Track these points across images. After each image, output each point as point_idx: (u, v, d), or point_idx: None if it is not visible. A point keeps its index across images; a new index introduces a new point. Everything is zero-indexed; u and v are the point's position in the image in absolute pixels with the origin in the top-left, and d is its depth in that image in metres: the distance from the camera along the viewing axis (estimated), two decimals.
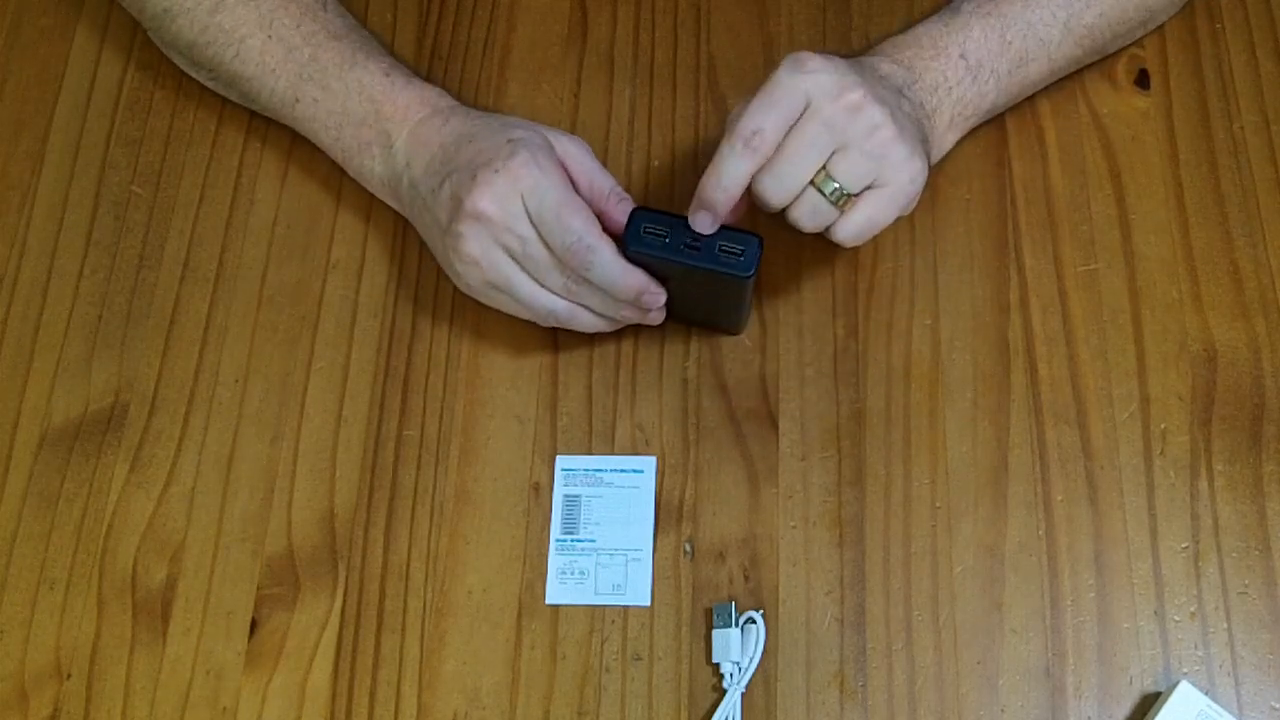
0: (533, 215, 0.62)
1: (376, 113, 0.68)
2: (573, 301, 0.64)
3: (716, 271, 0.61)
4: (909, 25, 0.70)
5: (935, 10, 0.71)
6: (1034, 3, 0.69)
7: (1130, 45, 0.75)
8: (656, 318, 0.66)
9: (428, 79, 0.73)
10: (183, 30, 0.71)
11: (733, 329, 0.70)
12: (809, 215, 0.61)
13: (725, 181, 0.59)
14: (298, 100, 0.70)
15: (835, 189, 0.60)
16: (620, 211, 0.63)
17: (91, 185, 0.75)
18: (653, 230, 0.62)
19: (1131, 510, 0.66)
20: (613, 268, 0.62)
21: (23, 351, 0.71)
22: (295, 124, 0.71)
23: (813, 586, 0.65)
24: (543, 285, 0.64)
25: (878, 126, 0.60)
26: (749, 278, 0.61)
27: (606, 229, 0.63)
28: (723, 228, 0.61)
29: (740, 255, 0.61)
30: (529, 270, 0.63)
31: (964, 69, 0.68)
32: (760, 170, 0.59)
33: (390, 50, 0.73)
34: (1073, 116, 0.74)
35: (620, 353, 0.70)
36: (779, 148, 0.59)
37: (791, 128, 0.59)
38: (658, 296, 0.64)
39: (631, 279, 0.62)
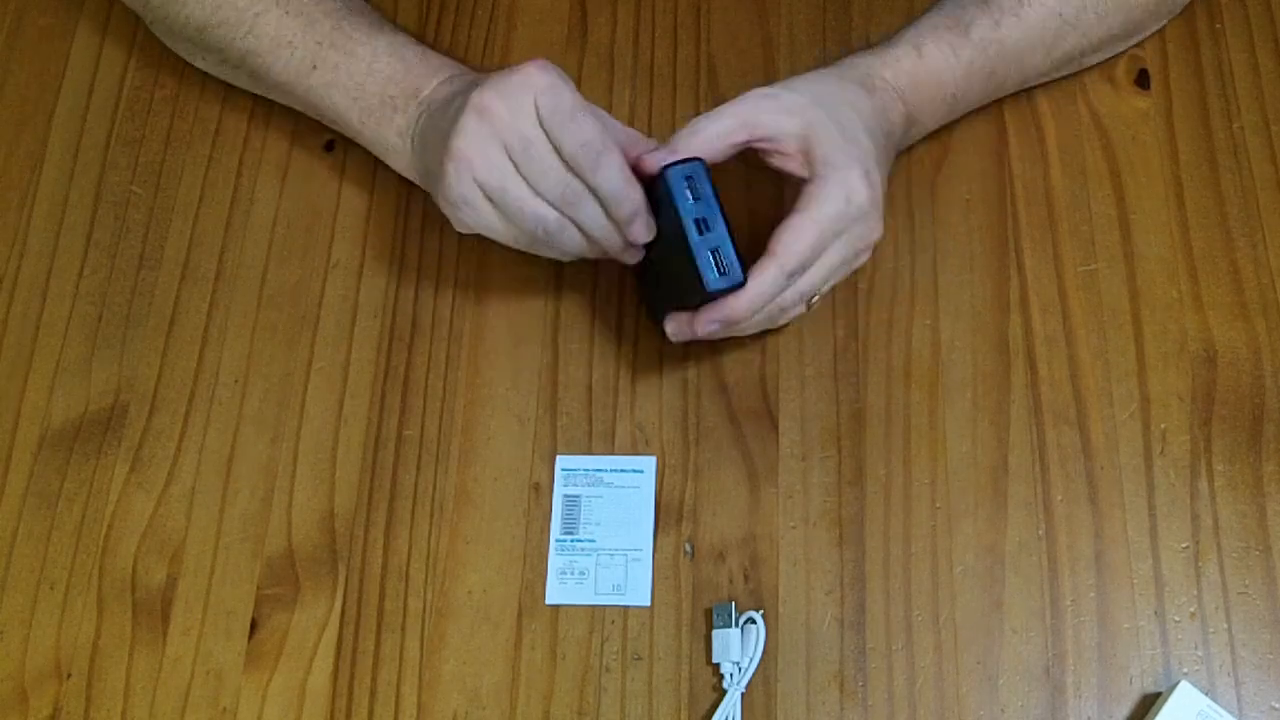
0: (544, 117, 0.59)
1: (407, 70, 0.67)
2: (564, 215, 0.61)
3: (694, 267, 0.59)
4: (921, 29, 0.68)
5: (938, 8, 0.70)
6: (1029, 28, 0.69)
7: (1131, 46, 0.75)
8: (632, 255, 0.64)
9: None
10: (193, 14, 0.71)
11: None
12: (787, 319, 0.65)
13: (758, 303, 0.60)
14: (315, 67, 0.69)
15: (815, 296, 0.64)
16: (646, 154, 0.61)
17: (91, 185, 0.75)
18: (693, 185, 0.60)
19: (1131, 510, 0.66)
20: (620, 175, 0.59)
21: (23, 351, 0.71)
22: (308, 93, 0.70)
23: (813, 586, 0.65)
24: (537, 191, 0.61)
25: (870, 251, 0.64)
26: (710, 294, 0.60)
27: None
28: (728, 245, 0.60)
29: (725, 272, 0.59)
30: (525, 173, 0.60)
31: (948, 108, 0.70)
32: None
33: None
34: (1073, 116, 0.74)
35: (620, 353, 0.70)
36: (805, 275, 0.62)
37: (820, 257, 0.62)
38: (643, 230, 0.61)
39: (634, 192, 0.60)
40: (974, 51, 0.68)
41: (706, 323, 0.61)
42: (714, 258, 0.59)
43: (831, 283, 0.64)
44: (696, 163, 0.60)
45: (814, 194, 0.60)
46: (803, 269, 0.61)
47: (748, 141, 0.62)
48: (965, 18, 0.68)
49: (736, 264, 0.59)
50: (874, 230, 0.62)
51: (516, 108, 0.59)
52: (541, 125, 0.60)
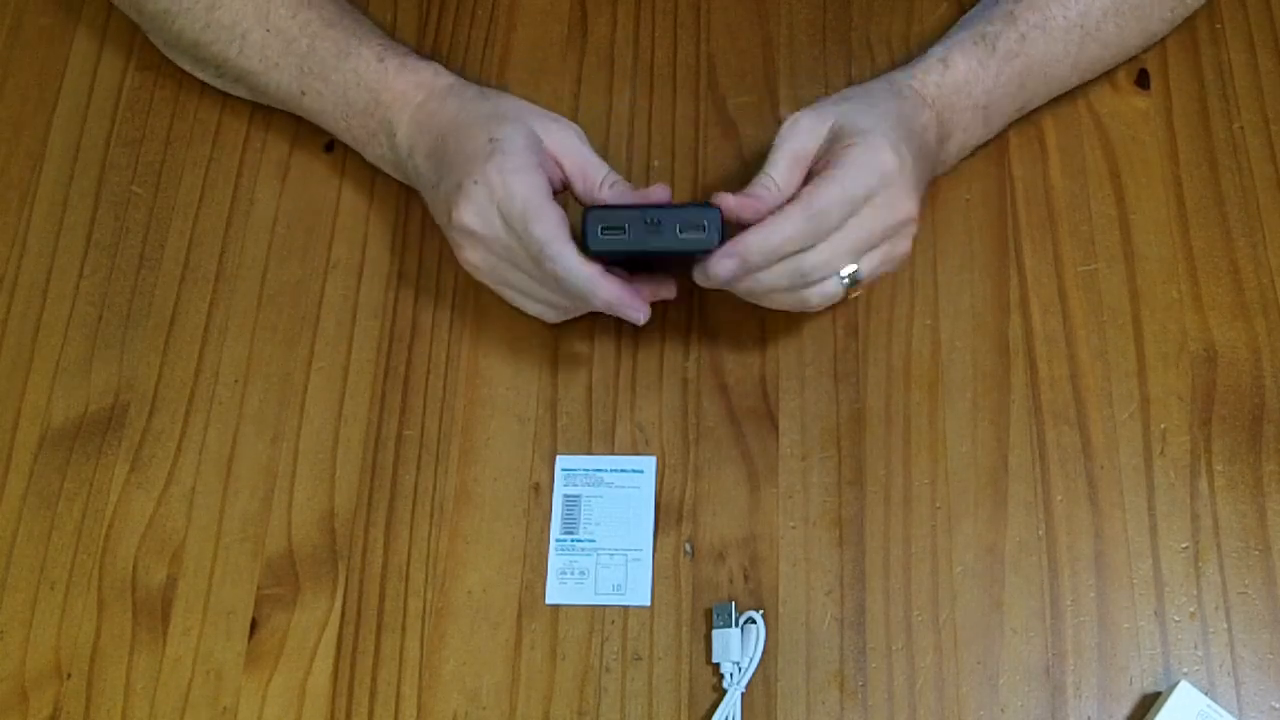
0: (508, 227, 0.62)
1: (375, 101, 0.68)
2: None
3: (683, 251, 0.60)
4: (948, 45, 0.68)
5: (967, 20, 0.70)
6: (1054, 40, 0.69)
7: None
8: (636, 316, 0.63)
9: None
10: (184, 29, 0.71)
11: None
12: (821, 298, 0.62)
13: (775, 246, 0.59)
14: (303, 93, 0.70)
15: (853, 276, 0.62)
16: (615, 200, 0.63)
17: (91, 185, 0.75)
18: (610, 229, 0.60)
19: (1131, 510, 0.66)
20: (580, 276, 0.60)
21: (23, 351, 0.71)
22: (306, 115, 0.71)
23: (813, 586, 0.65)
24: (540, 281, 0.64)
25: (909, 238, 0.63)
26: (716, 247, 0.60)
27: None
28: (677, 206, 0.61)
29: (703, 231, 0.59)
30: (524, 269, 0.63)
31: (982, 119, 0.69)
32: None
33: (385, 30, 0.72)
34: (1073, 116, 0.74)
35: (620, 353, 0.70)
36: (832, 233, 0.60)
37: (849, 219, 0.60)
38: (636, 311, 0.61)
39: (604, 290, 0.60)
40: (1000, 63, 0.68)
41: (721, 257, 0.59)
42: (685, 237, 0.59)
43: (870, 266, 0.62)
44: (590, 212, 0.60)
45: (840, 161, 0.60)
46: (828, 220, 0.59)
47: (807, 168, 0.62)
48: (990, 32, 0.68)
49: (700, 218, 0.59)
50: (903, 201, 0.61)
51: (491, 223, 0.62)
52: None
